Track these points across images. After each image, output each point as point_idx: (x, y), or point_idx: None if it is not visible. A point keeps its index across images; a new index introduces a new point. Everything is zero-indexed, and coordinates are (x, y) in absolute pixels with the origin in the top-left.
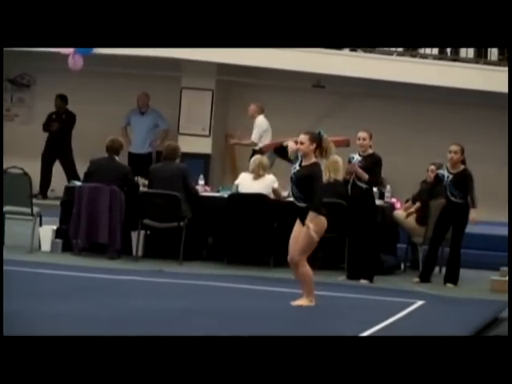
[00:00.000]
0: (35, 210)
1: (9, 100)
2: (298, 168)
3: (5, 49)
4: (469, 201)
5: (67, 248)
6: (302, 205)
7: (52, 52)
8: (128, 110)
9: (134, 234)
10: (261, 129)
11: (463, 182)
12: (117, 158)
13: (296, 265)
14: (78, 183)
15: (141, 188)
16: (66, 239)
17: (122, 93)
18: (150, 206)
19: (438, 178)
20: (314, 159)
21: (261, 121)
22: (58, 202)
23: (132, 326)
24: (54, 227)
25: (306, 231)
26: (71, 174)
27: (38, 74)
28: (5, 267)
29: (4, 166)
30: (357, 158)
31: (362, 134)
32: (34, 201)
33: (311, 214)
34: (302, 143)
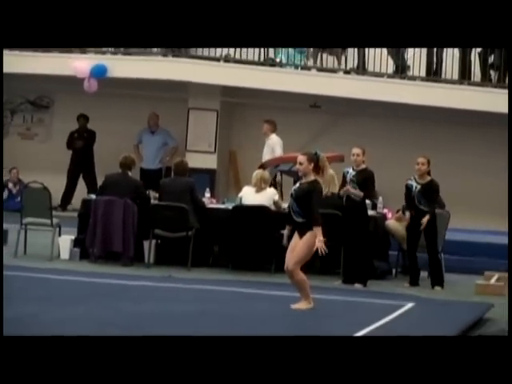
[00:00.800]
0: (55, 221)
1: (29, 120)
2: (298, 185)
3: (25, 72)
4: (440, 211)
5: (84, 256)
6: (300, 220)
7: (69, 75)
8: (139, 128)
9: (145, 243)
10: (280, 145)
11: (430, 191)
12: (129, 173)
13: (291, 274)
14: (93, 196)
15: (152, 201)
16: (83, 248)
17: (134, 113)
18: (161, 218)
19: (407, 188)
20: (312, 177)
21: (277, 139)
22: (75, 214)
23: (143, 328)
24: (72, 237)
25: (302, 244)
26: (92, 187)
27: (56, 95)
28: (26, 274)
29: (25, 181)
30: (351, 172)
31: (355, 150)
32: (54, 213)
33: (316, 229)
34: (300, 163)
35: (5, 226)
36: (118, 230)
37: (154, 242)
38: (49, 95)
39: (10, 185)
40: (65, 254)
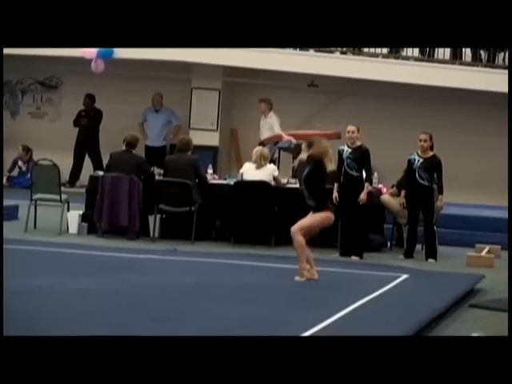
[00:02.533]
0: (63, 197)
1: (39, 100)
2: (349, 150)
3: (34, 54)
4: (434, 187)
5: (92, 230)
6: (311, 203)
7: (77, 57)
8: (144, 108)
9: (150, 218)
10: (278, 123)
11: (433, 166)
12: (133, 150)
13: (293, 236)
14: (101, 173)
15: (156, 177)
16: (90, 223)
17: (139, 93)
18: (165, 193)
19: (410, 163)
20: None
21: (275, 117)
22: (83, 190)
23: (149, 299)
24: (80, 212)
25: (314, 216)
26: (98, 164)
27: (64, 76)
28: (36, 247)
29: (35, 158)
30: (346, 149)
31: (350, 128)
32: (63, 189)
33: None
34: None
35: (16, 201)
36: (124, 205)
37: (158, 216)
38: (58, 76)
39: (20, 163)
40: (73, 228)
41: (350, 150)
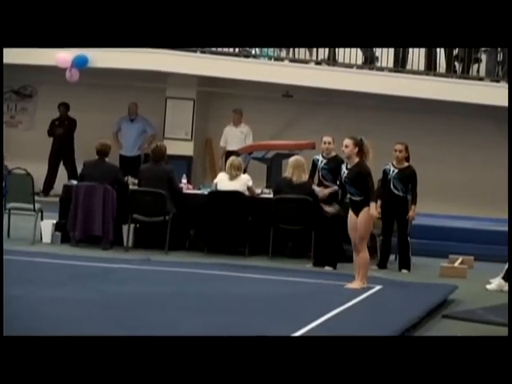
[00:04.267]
0: (37, 206)
1: (13, 109)
2: (347, 170)
3: (9, 62)
4: (409, 197)
5: (66, 240)
6: (358, 199)
7: (51, 66)
8: (118, 117)
9: (124, 227)
10: (251, 134)
11: (407, 177)
12: (107, 160)
13: (357, 250)
14: (74, 182)
15: (130, 186)
16: (64, 232)
17: (114, 102)
18: (139, 203)
19: (384, 173)
20: (357, 159)
21: (247, 127)
22: (57, 199)
23: (122, 308)
24: (54, 221)
25: (361, 220)
26: (72, 173)
27: (39, 85)
28: (10, 257)
29: (9, 168)
30: (321, 159)
31: (326, 139)
32: (36, 198)
33: (371, 204)
34: (346, 146)
35: None
36: (98, 214)
37: (132, 226)
38: (32, 85)
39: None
40: (47, 237)
41: (325, 161)
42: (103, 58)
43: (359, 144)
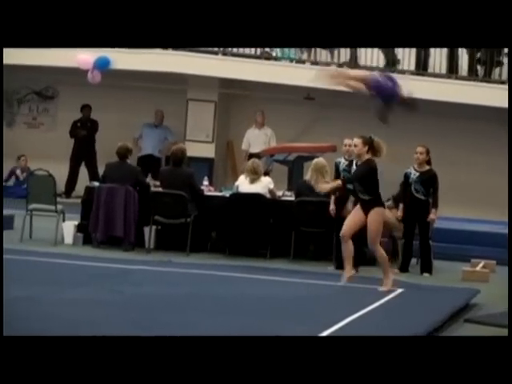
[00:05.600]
0: (59, 207)
1: (35, 110)
2: (356, 168)
3: (31, 64)
4: (430, 200)
5: (87, 241)
6: (366, 197)
7: (73, 67)
8: (140, 118)
9: (146, 229)
10: (274, 136)
11: (429, 180)
12: (128, 161)
13: (373, 250)
14: (96, 183)
15: (152, 188)
16: (86, 233)
17: (135, 104)
18: (161, 204)
19: (406, 176)
20: (367, 156)
21: (270, 129)
22: (79, 201)
23: (141, 309)
24: (76, 223)
25: (371, 221)
26: (94, 175)
27: (60, 86)
28: (31, 258)
29: (31, 169)
30: (343, 162)
31: (347, 141)
32: (58, 199)
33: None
34: (355, 146)
35: (12, 211)
36: (119, 215)
37: (154, 227)
38: (54, 86)
39: (18, 172)
40: (68, 238)
41: (346, 163)
42: (125, 59)
43: (369, 142)
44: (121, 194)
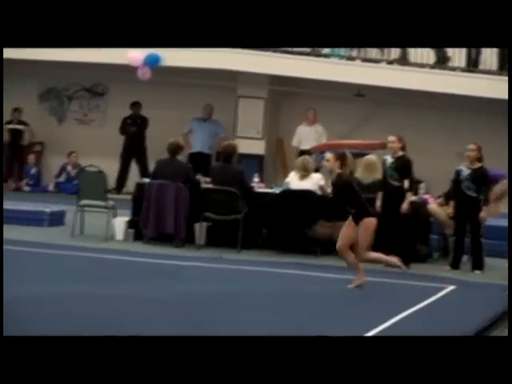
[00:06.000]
0: (110, 203)
1: (86, 106)
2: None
3: (82, 61)
4: (481, 197)
5: (138, 237)
6: (351, 210)
7: (123, 64)
8: (190, 115)
9: (196, 226)
10: (325, 133)
11: (481, 177)
12: (178, 157)
13: (365, 261)
14: (147, 180)
15: (202, 185)
16: (137, 229)
17: (185, 101)
18: (211, 201)
19: (457, 173)
20: (338, 171)
21: (321, 126)
22: (129, 197)
23: (192, 306)
24: (127, 219)
25: (359, 233)
26: (144, 171)
27: (111, 83)
28: (82, 253)
29: (82, 165)
30: (389, 159)
31: (390, 138)
32: (109, 195)
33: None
34: (327, 160)
35: (63, 207)
36: (170, 212)
37: (204, 224)
38: (104, 83)
39: (69, 168)
40: (119, 235)
41: (391, 160)
42: (175, 56)
43: (341, 157)
44: (171, 190)
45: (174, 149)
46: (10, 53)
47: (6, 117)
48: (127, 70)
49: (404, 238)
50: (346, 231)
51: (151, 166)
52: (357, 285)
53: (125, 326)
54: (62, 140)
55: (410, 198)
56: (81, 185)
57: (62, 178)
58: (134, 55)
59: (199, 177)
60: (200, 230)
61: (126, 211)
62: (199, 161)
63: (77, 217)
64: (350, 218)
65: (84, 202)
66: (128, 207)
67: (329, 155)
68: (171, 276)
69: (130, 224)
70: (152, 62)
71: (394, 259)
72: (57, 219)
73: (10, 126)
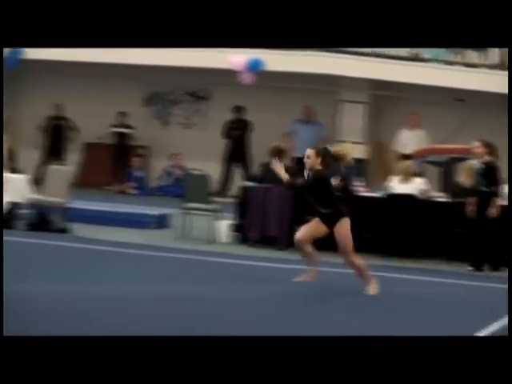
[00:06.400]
0: (214, 206)
1: (188, 110)
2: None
3: (185, 65)
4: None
5: (242, 240)
6: (324, 210)
7: (226, 69)
8: (291, 119)
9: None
10: (427, 137)
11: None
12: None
13: (351, 264)
14: (250, 183)
15: None
16: (241, 232)
17: (287, 104)
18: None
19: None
20: (318, 168)
21: (423, 131)
22: (233, 200)
23: (297, 309)
24: (231, 222)
25: (341, 234)
26: (248, 175)
27: (213, 87)
28: (186, 255)
29: (186, 168)
30: (476, 164)
31: (475, 143)
32: (213, 198)
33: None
34: (308, 157)
35: (168, 210)
36: (274, 215)
37: None
38: (207, 87)
39: (174, 170)
40: (223, 237)
41: (478, 165)
42: (276, 61)
43: (322, 154)
44: (275, 193)
45: (277, 153)
46: (115, 57)
47: (111, 120)
48: (230, 75)
49: (490, 241)
50: (312, 225)
51: (255, 170)
52: (304, 280)
53: (225, 327)
54: (166, 143)
55: (498, 202)
56: (185, 188)
57: (167, 181)
58: (237, 60)
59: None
60: None
61: (229, 214)
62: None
63: (181, 219)
64: (319, 218)
65: (189, 204)
66: (232, 210)
67: (310, 152)
68: (275, 278)
69: (234, 227)
70: (254, 66)
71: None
72: (162, 222)
73: (116, 130)
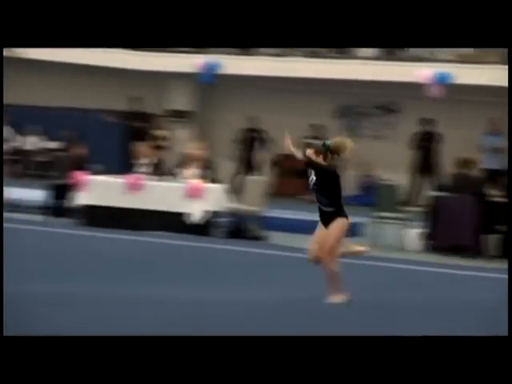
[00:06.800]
0: (404, 215)
1: (378, 123)
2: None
3: (374, 79)
4: None
5: (431, 248)
6: (328, 209)
7: (414, 82)
8: (479, 132)
9: (488, 237)
10: None
11: None
12: (471, 172)
13: (326, 264)
14: (439, 193)
15: (496, 199)
16: (430, 241)
17: (477, 118)
18: (500, 214)
19: None
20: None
21: None
22: (422, 209)
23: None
24: (420, 230)
25: (331, 231)
26: (436, 185)
27: (403, 101)
28: (375, 263)
29: (377, 178)
30: None
31: None
32: (403, 208)
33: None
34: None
35: (358, 219)
36: (463, 224)
37: (495, 236)
38: (396, 100)
39: (366, 181)
40: (413, 245)
41: None
42: (462, 73)
43: (321, 151)
44: (464, 203)
45: (467, 164)
46: (307, 72)
47: (303, 132)
48: (418, 88)
49: None
50: (321, 233)
51: (444, 180)
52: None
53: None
54: (356, 155)
55: None
56: (377, 197)
57: (357, 191)
58: (424, 73)
59: (491, 191)
60: (491, 241)
61: (418, 223)
62: (491, 176)
63: (374, 228)
64: (320, 220)
65: (379, 213)
66: (420, 219)
67: (309, 152)
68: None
69: (423, 235)
70: (442, 79)
71: (357, 247)
72: (354, 230)
73: (308, 141)
